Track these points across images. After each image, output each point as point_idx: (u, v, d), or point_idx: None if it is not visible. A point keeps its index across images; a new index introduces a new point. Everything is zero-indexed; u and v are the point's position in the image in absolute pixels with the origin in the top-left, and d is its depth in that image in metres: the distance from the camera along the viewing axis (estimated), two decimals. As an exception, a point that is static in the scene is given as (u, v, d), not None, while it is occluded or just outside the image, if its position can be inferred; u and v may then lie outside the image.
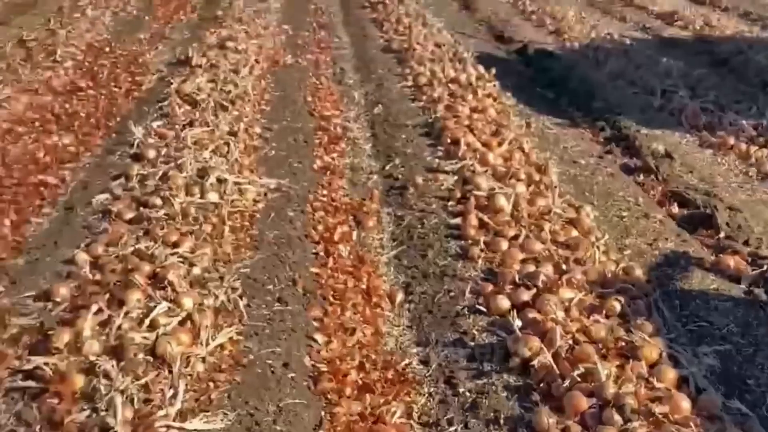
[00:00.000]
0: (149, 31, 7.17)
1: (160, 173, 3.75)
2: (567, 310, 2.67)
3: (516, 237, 3.29)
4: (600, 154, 4.84)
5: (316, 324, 2.92)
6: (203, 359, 2.48)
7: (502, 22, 8.41)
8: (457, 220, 3.58)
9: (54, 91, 5.24)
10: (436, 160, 4.36)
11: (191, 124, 4.46)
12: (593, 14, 9.09)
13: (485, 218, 3.48)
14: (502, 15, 8.85)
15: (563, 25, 7.98)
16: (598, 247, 3.19)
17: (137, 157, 4.12)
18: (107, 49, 6.35)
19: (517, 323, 2.60)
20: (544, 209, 3.54)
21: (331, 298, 3.10)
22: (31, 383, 2.36)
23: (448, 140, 4.55)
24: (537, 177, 3.94)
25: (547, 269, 2.94)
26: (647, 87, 6.00)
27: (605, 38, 7.43)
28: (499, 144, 4.42)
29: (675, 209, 4.07)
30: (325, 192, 4.08)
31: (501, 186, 3.75)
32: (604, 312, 2.69)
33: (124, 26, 7.09)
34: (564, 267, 2.98)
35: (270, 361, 2.58)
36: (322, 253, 3.45)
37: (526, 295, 2.80)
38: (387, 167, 4.46)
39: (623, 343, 2.49)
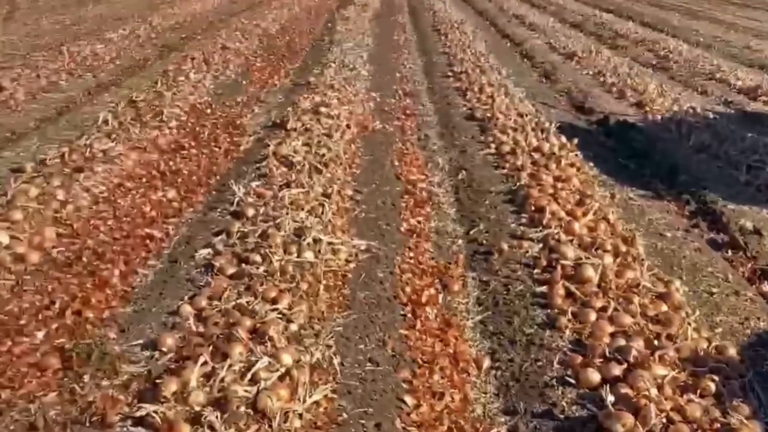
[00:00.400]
0: (246, 95, 7.65)
1: (260, 231, 3.98)
2: (660, 388, 2.67)
3: (604, 309, 3.32)
4: (686, 227, 4.81)
5: (405, 386, 3.01)
6: (300, 415, 2.60)
7: (583, 93, 8.51)
8: (543, 289, 3.64)
9: (160, 149, 5.63)
10: (521, 227, 4.44)
11: (288, 184, 4.72)
12: (674, 87, 9.08)
13: (572, 288, 3.53)
14: (582, 86, 8.96)
15: (645, 97, 8.00)
16: (689, 324, 3.18)
17: (237, 215, 4.38)
18: (208, 111, 6.80)
19: (610, 398, 2.62)
20: (632, 282, 3.56)
21: (420, 361, 3.19)
22: (141, 430, 2.53)
23: (532, 208, 4.64)
24: (623, 248, 3.97)
25: (638, 344, 2.95)
26: (732, 161, 5.95)
27: (688, 111, 7.41)
28: (584, 214, 4.47)
29: (765, 287, 4.01)
30: (412, 254, 4.22)
31: (587, 256, 3.79)
32: (698, 391, 2.67)
33: (224, 89, 7.58)
34: (655, 342, 2.99)
35: (363, 422, 2.68)
36: (410, 315, 3.56)
37: (617, 370, 2.81)
38: (471, 232, 4.57)
39: (719, 425, 2.47)
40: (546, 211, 4.45)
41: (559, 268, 3.71)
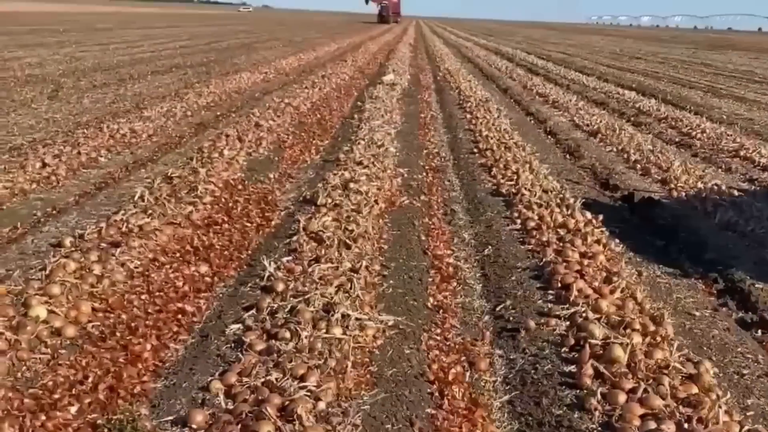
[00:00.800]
0: (278, 171, 7.89)
1: (289, 307, 4.06)
2: (692, 472, 2.63)
3: (634, 390, 3.29)
4: (714, 306, 4.77)
5: (432, 466, 2.99)
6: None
7: (607, 170, 8.62)
8: (572, 368, 3.63)
9: (194, 225, 5.80)
10: (547, 304, 4.46)
11: (317, 260, 4.83)
12: (698, 164, 9.16)
13: (601, 368, 3.51)
14: (606, 162, 9.07)
15: (669, 174, 8.07)
16: (720, 407, 3.14)
17: (267, 289, 4.48)
18: (240, 187, 7.01)
19: (641, 482, 2.58)
20: (662, 362, 3.54)
21: (448, 442, 3.18)
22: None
23: (559, 285, 4.67)
24: (652, 328, 3.95)
25: (670, 427, 2.92)
26: (759, 239, 5.94)
27: (713, 189, 7.43)
28: (611, 292, 4.48)
29: (798, 369, 3.94)
30: (438, 331, 4.25)
31: (616, 335, 3.79)
32: (730, 477, 2.63)
33: (257, 166, 7.82)
34: (686, 426, 2.95)
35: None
36: (436, 394, 3.56)
37: (649, 453, 2.78)
38: (498, 308, 4.59)
39: None
40: (573, 289, 4.48)
41: (587, 347, 3.71)
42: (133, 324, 4.06)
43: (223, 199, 6.55)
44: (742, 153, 9.71)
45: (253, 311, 4.16)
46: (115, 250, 4.94)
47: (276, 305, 4.14)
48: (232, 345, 3.81)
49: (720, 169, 9.04)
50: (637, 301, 4.40)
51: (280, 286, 4.44)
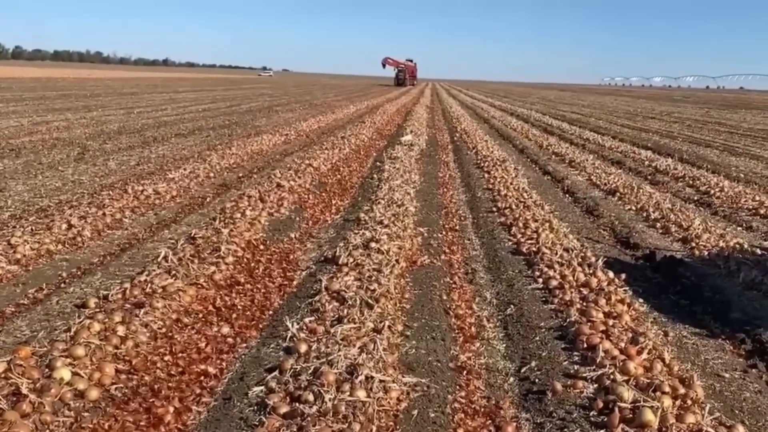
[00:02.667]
0: (299, 231, 7.97)
1: (312, 368, 4.04)
2: None
3: (667, 455, 3.21)
4: (743, 368, 4.67)
5: None
6: None
7: (626, 228, 8.59)
8: (601, 432, 3.55)
9: (216, 285, 5.84)
10: (574, 366, 4.39)
11: (339, 320, 4.82)
12: (718, 223, 9.13)
13: (631, 432, 3.44)
14: (626, 221, 9.06)
15: (690, 233, 8.03)
16: (757, 473, 3.05)
17: (290, 351, 4.47)
18: (262, 247, 7.07)
19: None
20: (694, 427, 3.45)
21: None
22: None
23: (584, 345, 4.62)
24: (682, 390, 3.88)
25: (706, 494, 2.83)
26: (785, 299, 5.86)
27: (735, 248, 7.37)
28: (639, 353, 4.42)
29: (834, 434, 3.82)
30: (463, 393, 4.19)
31: (645, 398, 3.71)
32: None
33: (278, 225, 7.90)
34: (723, 493, 2.86)
35: None
36: (464, 459, 3.50)
37: None
38: (523, 370, 4.52)
39: None
40: (599, 349, 4.43)
41: (616, 410, 3.63)
42: (156, 386, 4.06)
43: (245, 260, 6.60)
44: (762, 211, 9.66)
45: (276, 373, 4.14)
46: (138, 311, 4.97)
47: (299, 367, 4.12)
48: (255, 408, 3.78)
49: (740, 228, 8.99)
50: (665, 363, 4.33)
51: (303, 347, 4.43)
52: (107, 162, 12.59)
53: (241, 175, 11.76)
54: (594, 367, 4.30)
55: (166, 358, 4.46)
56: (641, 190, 10.87)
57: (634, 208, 9.85)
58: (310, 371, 4.04)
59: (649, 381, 3.97)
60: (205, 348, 4.69)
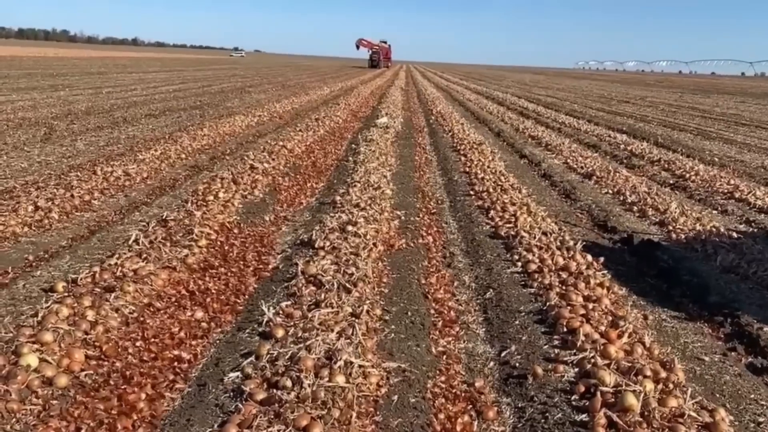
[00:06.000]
0: (274, 213, 7.82)
1: (290, 354, 3.94)
2: None
3: (650, 440, 3.18)
4: (723, 351, 4.67)
5: None
6: None
7: (604, 212, 8.59)
8: (583, 417, 3.51)
9: (190, 269, 5.69)
10: (554, 350, 4.35)
11: (317, 304, 4.72)
12: (695, 206, 9.18)
13: (614, 417, 3.39)
14: (603, 204, 9.06)
15: (667, 216, 8.06)
16: (741, 457, 3.03)
17: (266, 335, 4.36)
18: (236, 230, 6.92)
19: None
20: (676, 411, 3.42)
21: (458, 495, 3.04)
22: None
23: (564, 329, 4.58)
24: (663, 374, 3.85)
25: (691, 480, 2.80)
26: (762, 282, 5.90)
27: (712, 231, 7.41)
28: (619, 336, 4.39)
29: (814, 415, 3.83)
30: (443, 378, 4.12)
31: (627, 382, 3.68)
32: None
33: (252, 208, 7.74)
34: (708, 478, 2.83)
35: None
36: (445, 445, 3.43)
37: (671, 508, 2.65)
38: (503, 354, 4.47)
39: None
40: (579, 333, 4.39)
41: (598, 395, 3.60)
42: (127, 372, 3.93)
43: (219, 243, 6.45)
44: (737, 195, 9.75)
45: (252, 358, 4.03)
46: (109, 295, 4.82)
47: (276, 352, 4.01)
48: (231, 394, 3.67)
49: (716, 211, 9.05)
50: (646, 347, 4.31)
51: (280, 332, 4.32)
52: (75, 143, 12.25)
53: (213, 156, 11.52)
54: (574, 351, 4.27)
55: (138, 344, 4.31)
56: (618, 174, 10.90)
57: (611, 191, 9.87)
58: (287, 356, 3.93)
59: (630, 365, 3.94)
60: (178, 333, 4.55)
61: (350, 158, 11.55)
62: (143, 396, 3.70)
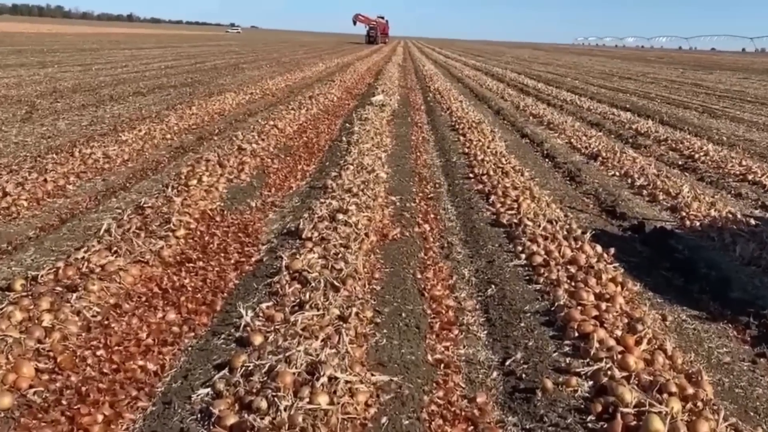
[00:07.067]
0: (261, 199, 7.32)
1: (267, 366, 3.48)
2: None
3: (682, 477, 2.73)
4: (751, 357, 4.21)
5: None
6: None
7: (611, 196, 8.10)
8: (601, 443, 3.07)
9: (164, 262, 5.21)
10: (565, 358, 3.90)
11: (301, 305, 4.25)
12: (706, 189, 8.70)
13: (638, 446, 2.95)
14: (610, 188, 8.57)
15: (679, 201, 7.57)
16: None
17: (243, 342, 3.90)
18: (219, 218, 6.43)
19: None
20: (709, 438, 2.98)
21: None
22: None
23: (576, 334, 4.13)
24: (690, 390, 3.40)
25: None
26: (789, 276, 5.43)
27: (728, 218, 6.93)
28: (637, 343, 3.94)
29: None
30: (441, 393, 3.66)
31: (651, 401, 3.23)
32: None
33: (237, 194, 7.24)
34: None
35: None
36: (444, 477, 2.99)
37: None
38: (508, 363, 4.01)
39: None
40: (593, 339, 3.94)
41: (618, 417, 3.14)
42: (84, 388, 3.46)
43: (198, 232, 5.97)
44: (750, 177, 9.25)
45: (226, 371, 3.57)
46: (71, 295, 4.35)
47: (252, 364, 3.54)
48: (199, 416, 3.21)
49: (730, 195, 8.56)
50: (668, 355, 3.85)
51: (258, 339, 3.86)
52: (56, 122, 11.71)
53: (200, 136, 10.99)
54: (588, 360, 3.82)
55: (98, 353, 3.85)
56: (624, 155, 10.38)
57: (617, 173, 9.36)
58: (264, 369, 3.47)
59: (652, 379, 3.49)
60: (146, 339, 4.08)
61: (344, 138, 11.02)
62: (99, 417, 3.24)
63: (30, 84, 17.76)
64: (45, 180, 7.31)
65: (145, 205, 6.35)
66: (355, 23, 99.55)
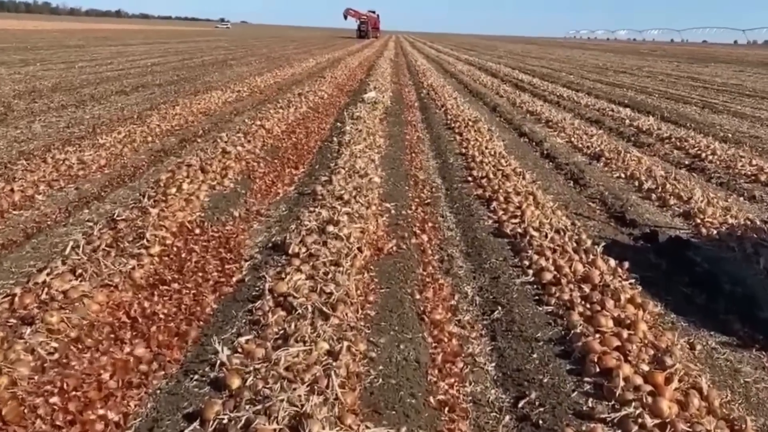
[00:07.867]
0: (245, 207, 6.79)
1: (244, 420, 2.99)
2: None
3: None
4: (793, 392, 3.76)
5: None
6: None
7: (619, 201, 7.62)
8: None
9: (135, 285, 4.69)
10: (587, 400, 3.43)
11: (285, 338, 3.76)
12: (717, 191, 8.24)
13: None
14: (617, 191, 8.09)
15: (692, 206, 7.09)
16: None
17: (218, 385, 3.41)
18: (198, 231, 5.91)
19: None
20: None
21: None
22: None
23: (597, 369, 3.67)
24: (735, 443, 2.94)
25: None
26: (819, 290, 4.96)
27: (747, 225, 6.47)
28: (667, 381, 3.47)
29: None
30: (447, 446, 3.18)
31: (693, 462, 2.76)
32: None
33: (219, 202, 6.72)
34: None
35: None
36: None
37: None
38: (521, 404, 3.54)
39: None
40: (617, 378, 3.46)
41: (658, 484, 2.67)
42: (29, 449, 2.96)
43: (175, 249, 5.45)
44: (762, 178, 8.80)
45: (196, 424, 3.08)
46: (26, 329, 3.84)
47: (226, 417, 3.05)
48: (163, 485, 2.72)
49: (743, 198, 8.11)
50: (703, 395, 3.38)
51: (235, 382, 3.37)
52: (32, 124, 11.13)
53: (183, 138, 10.42)
54: (613, 402, 3.34)
55: (52, 401, 3.32)
56: (628, 155, 9.90)
57: (623, 175, 8.89)
58: (240, 424, 2.98)
59: (690, 429, 3.01)
60: (108, 380, 3.57)
61: (335, 139, 10.50)
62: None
63: (8, 83, 17.14)
64: (12, 190, 6.77)
65: (118, 218, 5.83)
66: (345, 18, 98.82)
